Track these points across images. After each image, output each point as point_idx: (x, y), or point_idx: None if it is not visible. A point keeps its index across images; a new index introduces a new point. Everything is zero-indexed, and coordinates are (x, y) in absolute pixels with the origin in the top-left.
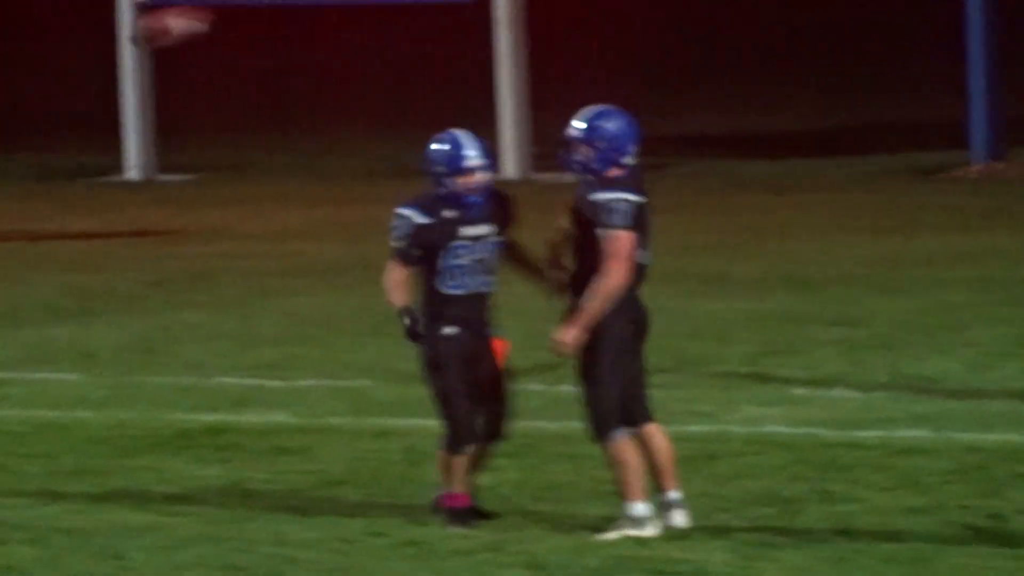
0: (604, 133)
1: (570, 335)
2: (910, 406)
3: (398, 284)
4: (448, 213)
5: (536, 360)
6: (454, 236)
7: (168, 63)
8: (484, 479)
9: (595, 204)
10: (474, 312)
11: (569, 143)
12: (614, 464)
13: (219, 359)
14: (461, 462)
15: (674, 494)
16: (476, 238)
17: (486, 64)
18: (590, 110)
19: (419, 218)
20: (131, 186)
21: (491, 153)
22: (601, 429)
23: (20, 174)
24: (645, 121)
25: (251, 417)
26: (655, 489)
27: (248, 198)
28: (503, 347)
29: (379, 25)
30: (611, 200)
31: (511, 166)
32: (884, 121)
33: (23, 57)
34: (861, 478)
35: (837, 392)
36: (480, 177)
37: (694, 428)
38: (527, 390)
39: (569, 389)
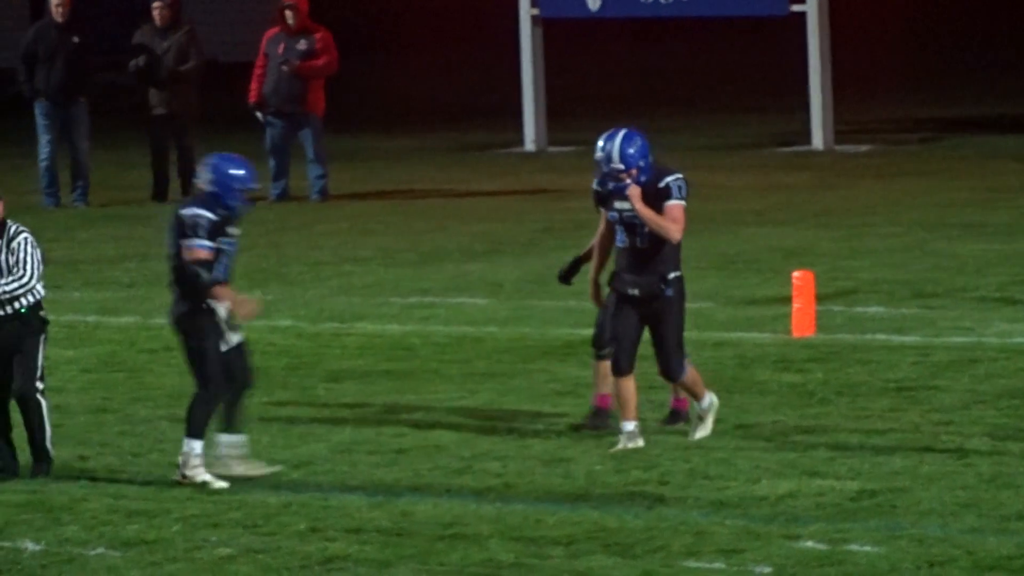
0: (639, 154)
1: (637, 192)
2: None
3: None
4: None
5: (837, 288)
6: None
7: (557, 65)
8: (793, 378)
9: (664, 187)
10: None
11: (615, 175)
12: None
13: None
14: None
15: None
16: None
17: (797, 56)
18: (614, 144)
19: None
20: (527, 156)
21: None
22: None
23: (442, 149)
24: (917, 107)
25: None
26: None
27: None
28: None
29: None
30: (677, 179)
31: (819, 139)
32: None
33: (442, 60)
34: None
35: None
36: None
37: (958, 339)
38: (831, 311)
39: (863, 310)
